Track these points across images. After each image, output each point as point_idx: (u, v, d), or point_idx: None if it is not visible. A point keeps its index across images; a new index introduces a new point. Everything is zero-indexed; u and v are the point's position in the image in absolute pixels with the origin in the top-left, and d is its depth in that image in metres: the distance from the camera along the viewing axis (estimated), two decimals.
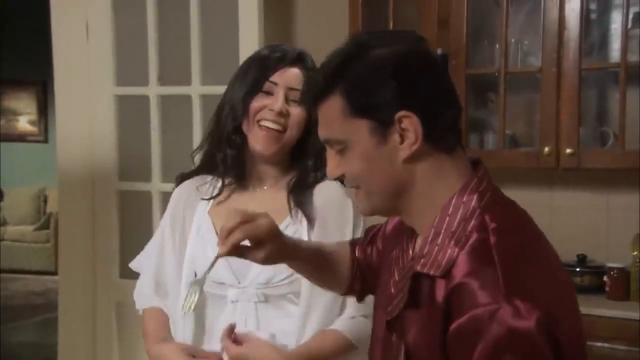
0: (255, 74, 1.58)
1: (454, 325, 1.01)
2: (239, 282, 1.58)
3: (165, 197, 2.80)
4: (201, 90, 2.85)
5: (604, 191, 2.91)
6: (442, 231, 1.07)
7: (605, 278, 2.66)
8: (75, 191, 3.11)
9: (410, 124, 1.06)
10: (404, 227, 1.22)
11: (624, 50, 2.61)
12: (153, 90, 2.95)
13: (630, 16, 2.65)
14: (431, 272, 1.06)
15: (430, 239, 1.08)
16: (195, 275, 1.60)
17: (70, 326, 3.15)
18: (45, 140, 8.72)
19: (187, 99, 2.87)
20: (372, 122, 1.07)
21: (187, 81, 2.88)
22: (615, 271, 2.63)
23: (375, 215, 1.19)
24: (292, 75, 1.56)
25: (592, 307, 2.54)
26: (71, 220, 3.15)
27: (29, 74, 8.38)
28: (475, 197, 1.08)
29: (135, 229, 3.03)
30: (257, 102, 1.57)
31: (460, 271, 1.02)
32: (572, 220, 2.96)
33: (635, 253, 2.64)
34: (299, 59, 1.59)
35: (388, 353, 1.17)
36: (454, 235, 1.06)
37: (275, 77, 1.57)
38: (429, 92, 1.08)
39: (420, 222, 1.13)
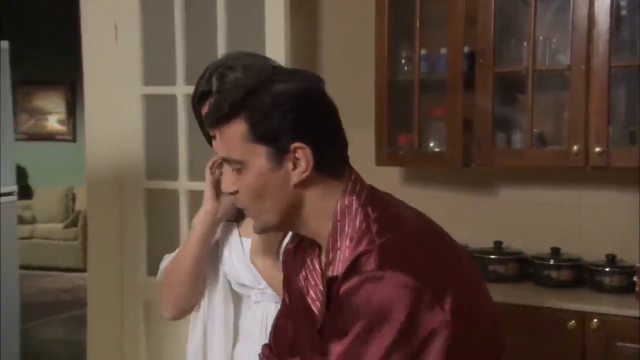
0: (200, 130, 1.64)
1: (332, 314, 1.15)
2: (259, 284, 1.64)
3: (192, 195, 2.83)
4: None
5: (633, 190, 2.88)
6: (338, 236, 1.19)
7: (635, 278, 2.63)
8: (103, 190, 3.14)
9: (303, 154, 1.19)
10: (302, 248, 1.32)
11: None
12: (180, 89, 2.97)
13: None
14: (335, 273, 1.16)
15: (331, 246, 1.20)
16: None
17: (98, 323, 3.18)
18: (74, 140, 8.82)
19: None
20: (271, 148, 1.19)
21: None
22: None
23: (268, 232, 1.32)
24: None
25: (621, 308, 2.52)
26: (99, 219, 3.18)
27: (58, 74, 8.49)
28: (354, 198, 1.21)
29: (162, 227, 3.05)
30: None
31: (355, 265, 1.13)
32: (601, 219, 2.93)
33: None
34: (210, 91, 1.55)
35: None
36: (347, 235, 1.18)
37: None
38: (322, 127, 1.22)
39: (320, 234, 1.24)
